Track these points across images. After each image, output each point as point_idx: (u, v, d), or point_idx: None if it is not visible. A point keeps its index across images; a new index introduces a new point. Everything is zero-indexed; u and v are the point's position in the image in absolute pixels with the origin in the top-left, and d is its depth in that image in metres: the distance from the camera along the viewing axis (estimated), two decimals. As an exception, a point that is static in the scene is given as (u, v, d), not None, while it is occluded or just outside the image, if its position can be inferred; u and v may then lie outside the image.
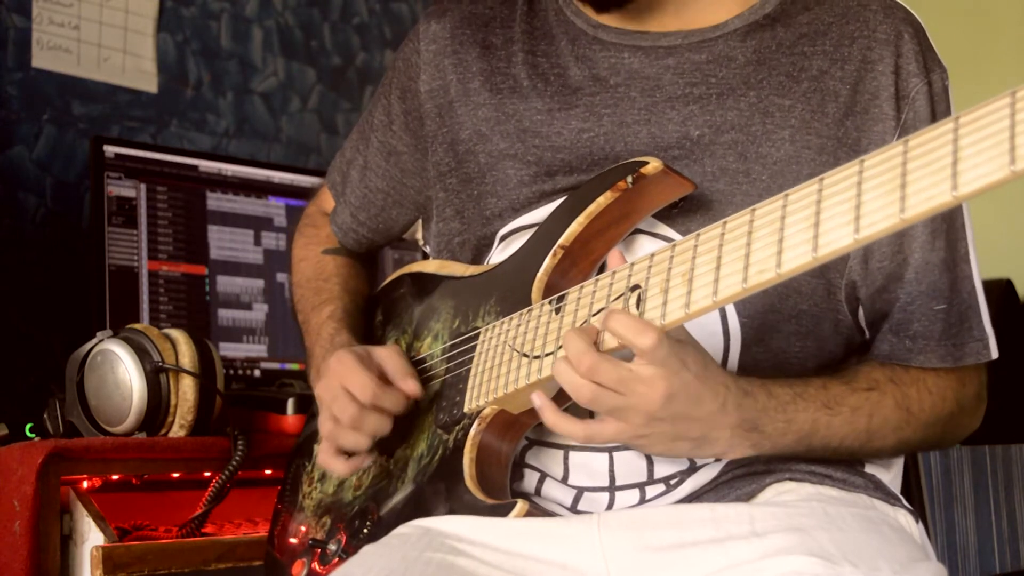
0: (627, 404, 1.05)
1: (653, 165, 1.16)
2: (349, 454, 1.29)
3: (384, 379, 1.25)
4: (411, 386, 1.25)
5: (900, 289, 1.22)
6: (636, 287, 1.05)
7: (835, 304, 1.23)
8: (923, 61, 1.23)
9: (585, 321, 1.09)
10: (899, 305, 1.22)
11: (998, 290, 2.04)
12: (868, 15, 1.25)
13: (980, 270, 1.27)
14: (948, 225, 1.23)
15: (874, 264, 1.22)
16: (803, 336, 1.22)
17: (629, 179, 1.17)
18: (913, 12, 1.27)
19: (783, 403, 1.14)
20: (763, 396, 1.13)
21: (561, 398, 1.12)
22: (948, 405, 1.23)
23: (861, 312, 1.25)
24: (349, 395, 1.23)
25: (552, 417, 1.09)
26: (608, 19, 1.30)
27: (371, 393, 1.22)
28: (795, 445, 1.16)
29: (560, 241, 1.19)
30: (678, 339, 1.05)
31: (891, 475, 1.27)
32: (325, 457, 1.28)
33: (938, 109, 1.23)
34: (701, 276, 0.98)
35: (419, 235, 1.50)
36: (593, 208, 1.18)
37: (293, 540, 1.37)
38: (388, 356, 1.27)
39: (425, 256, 1.48)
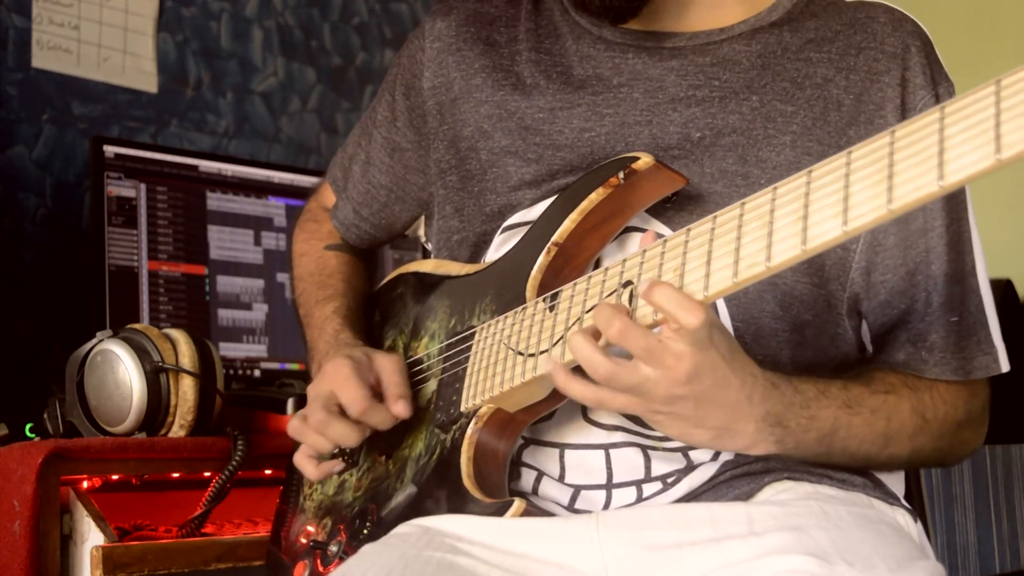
0: (645, 381, 1.00)
1: (644, 160, 1.16)
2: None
3: (378, 390, 1.26)
4: (400, 410, 1.25)
5: (918, 300, 1.21)
6: (628, 283, 1.05)
7: (835, 317, 1.23)
8: (930, 74, 1.23)
9: (579, 319, 1.09)
10: (917, 315, 1.21)
11: (998, 290, 2.05)
12: (876, 27, 1.25)
13: (980, 271, 1.26)
14: (956, 238, 1.23)
15: (876, 277, 1.22)
16: (801, 346, 1.21)
17: (621, 175, 1.17)
18: (921, 25, 1.27)
19: (808, 399, 1.11)
20: (789, 390, 1.10)
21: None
22: (959, 415, 1.22)
23: (865, 327, 1.25)
24: (327, 402, 1.24)
25: (563, 379, 1.05)
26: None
27: (360, 409, 1.23)
28: (816, 445, 1.14)
29: (553, 238, 1.19)
30: (711, 319, 1.00)
31: (894, 477, 1.27)
32: (299, 457, 1.30)
33: None
34: (692, 271, 0.98)
35: (421, 232, 1.50)
36: (586, 204, 1.18)
37: (296, 541, 1.38)
38: (387, 369, 1.27)
39: (426, 253, 1.48)
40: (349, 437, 1.24)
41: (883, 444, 1.17)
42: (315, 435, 1.25)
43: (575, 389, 1.05)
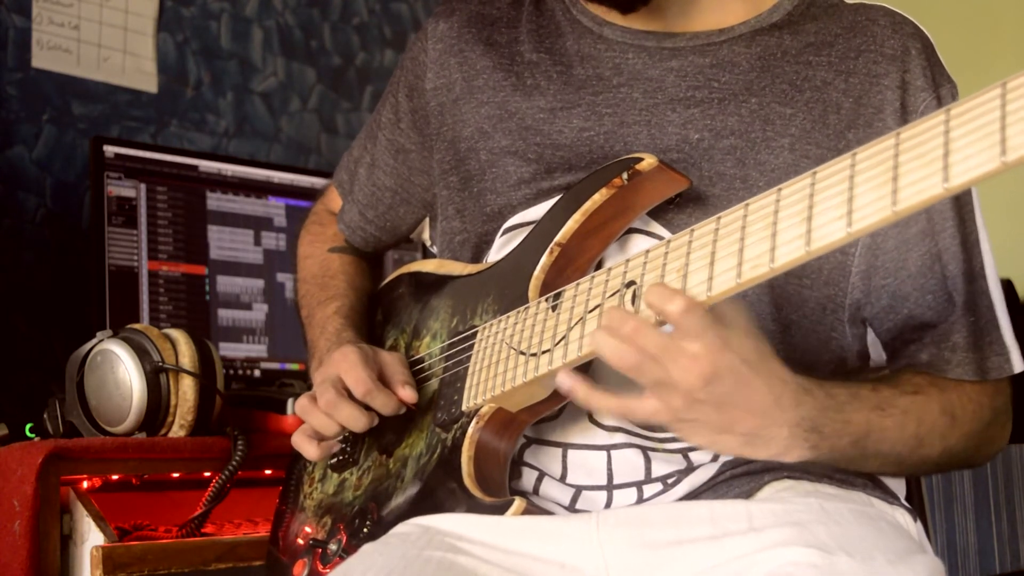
0: (668, 378, 0.98)
1: (648, 161, 1.17)
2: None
3: (382, 380, 1.26)
4: (407, 394, 1.25)
5: (926, 304, 1.21)
6: (631, 283, 1.05)
7: (830, 320, 1.22)
8: (931, 76, 1.23)
9: (581, 319, 1.09)
10: (939, 316, 1.21)
11: (998, 290, 2.04)
12: (876, 29, 1.25)
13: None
14: (965, 239, 1.22)
15: (877, 281, 1.22)
16: (790, 347, 1.21)
17: (624, 175, 1.17)
18: (922, 27, 1.26)
19: (840, 403, 1.09)
20: (822, 395, 1.08)
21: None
22: (986, 413, 1.21)
23: (871, 334, 1.25)
24: (336, 384, 1.25)
25: (584, 393, 1.03)
26: (615, 17, 1.30)
27: (365, 389, 1.23)
28: (851, 449, 1.12)
29: (556, 239, 1.19)
30: (725, 322, 0.98)
31: (897, 479, 1.27)
32: (299, 437, 1.30)
33: None
34: (696, 272, 0.98)
35: (426, 235, 1.51)
36: (589, 205, 1.18)
37: (295, 540, 1.37)
38: (391, 361, 1.28)
39: (426, 254, 1.48)
40: (357, 420, 1.24)
41: (915, 445, 1.16)
42: (322, 416, 1.25)
43: (598, 401, 1.03)
